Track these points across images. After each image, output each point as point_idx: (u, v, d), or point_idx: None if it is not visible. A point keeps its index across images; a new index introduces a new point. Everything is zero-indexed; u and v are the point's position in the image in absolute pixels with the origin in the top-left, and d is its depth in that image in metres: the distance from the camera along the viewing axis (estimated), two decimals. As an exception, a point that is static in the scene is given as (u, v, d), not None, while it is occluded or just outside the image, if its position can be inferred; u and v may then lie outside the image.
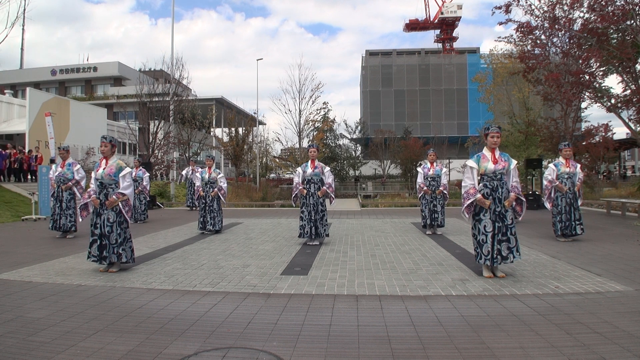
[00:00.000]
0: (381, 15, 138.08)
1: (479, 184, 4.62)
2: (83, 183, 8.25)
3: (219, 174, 8.64)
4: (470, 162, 4.67)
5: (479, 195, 4.49)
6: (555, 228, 7.08)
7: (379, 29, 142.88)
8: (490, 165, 4.54)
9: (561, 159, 7.13)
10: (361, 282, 4.48)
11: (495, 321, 3.22)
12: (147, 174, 11.18)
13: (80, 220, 5.47)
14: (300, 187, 6.91)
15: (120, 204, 4.95)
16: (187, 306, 3.69)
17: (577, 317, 3.28)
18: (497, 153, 4.62)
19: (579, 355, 2.60)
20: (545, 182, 7.23)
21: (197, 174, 9.05)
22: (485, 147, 4.71)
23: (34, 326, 3.19)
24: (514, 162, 4.68)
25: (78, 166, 8.26)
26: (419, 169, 8.50)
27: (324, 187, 6.90)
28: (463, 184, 4.69)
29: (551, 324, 3.14)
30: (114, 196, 4.93)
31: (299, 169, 7.07)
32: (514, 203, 4.59)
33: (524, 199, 4.70)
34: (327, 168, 7.13)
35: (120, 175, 5.01)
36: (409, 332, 3.04)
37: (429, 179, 8.15)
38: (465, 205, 4.59)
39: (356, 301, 3.80)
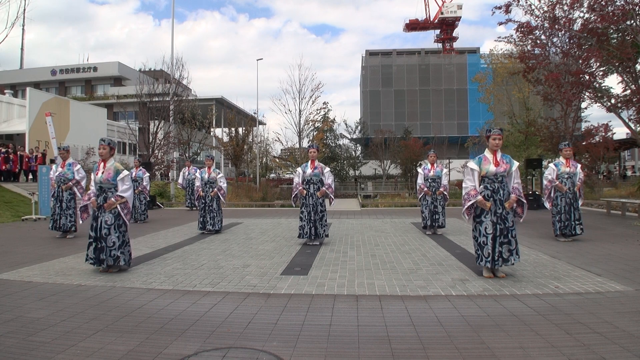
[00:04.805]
0: (384, 16, 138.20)
1: (479, 185, 4.62)
2: (83, 183, 8.26)
3: (219, 173, 8.63)
4: (472, 164, 4.66)
5: (479, 197, 4.49)
6: (554, 228, 7.08)
7: (382, 30, 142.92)
8: (492, 168, 4.54)
9: (562, 159, 7.13)
10: (361, 282, 4.48)
11: (495, 321, 3.22)
12: (147, 174, 11.19)
13: (81, 222, 5.45)
14: (300, 188, 6.92)
15: (119, 207, 4.93)
16: (187, 306, 3.69)
17: (577, 317, 3.28)
18: (499, 155, 4.61)
19: (579, 355, 2.60)
20: (545, 182, 7.24)
21: (197, 174, 9.02)
22: (487, 149, 4.71)
23: (34, 326, 3.19)
24: (516, 163, 4.66)
25: (78, 166, 8.26)
26: (419, 170, 8.51)
27: (323, 188, 6.89)
28: (464, 185, 4.70)
29: (551, 324, 3.14)
30: (112, 198, 4.91)
31: (299, 169, 7.07)
32: (515, 205, 4.59)
33: (525, 201, 4.69)
34: (327, 169, 7.12)
35: (119, 178, 4.99)
36: (409, 332, 3.04)
37: (429, 180, 8.15)
38: (466, 207, 4.59)
39: (356, 301, 3.80)
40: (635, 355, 2.59)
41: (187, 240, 7.66)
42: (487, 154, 4.65)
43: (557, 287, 4.11)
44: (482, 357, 2.61)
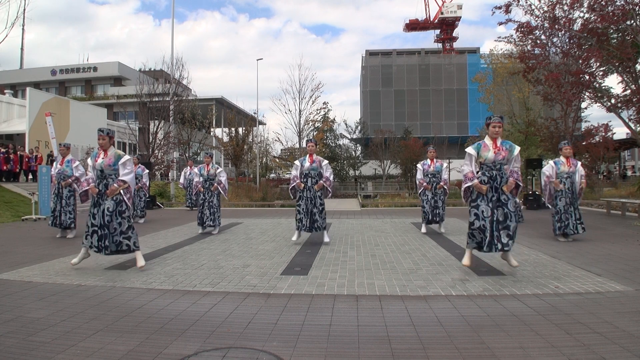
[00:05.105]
0: (384, 16, 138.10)
1: (478, 172, 4.65)
2: (82, 180, 8.27)
3: (218, 168, 8.63)
4: (470, 149, 4.69)
5: (475, 181, 4.53)
6: (553, 227, 7.07)
7: (382, 30, 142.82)
8: (491, 155, 4.53)
9: (562, 158, 7.11)
10: (361, 282, 4.48)
11: (495, 321, 3.22)
12: (147, 171, 11.22)
13: (81, 203, 5.44)
14: (298, 181, 6.92)
15: (121, 192, 4.94)
16: (187, 306, 3.69)
17: (577, 317, 3.28)
18: (499, 142, 4.60)
19: (579, 355, 2.60)
20: (543, 178, 7.21)
21: (196, 170, 8.99)
22: (486, 136, 4.71)
23: (34, 326, 3.19)
24: (517, 148, 4.63)
25: (77, 163, 8.28)
26: (418, 166, 8.51)
27: (321, 181, 6.88)
28: (462, 169, 4.76)
29: (551, 324, 3.14)
30: (115, 184, 4.91)
31: (297, 162, 7.08)
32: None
33: (521, 184, 4.72)
34: (325, 162, 7.07)
35: (120, 162, 4.99)
36: (409, 332, 3.04)
37: (429, 175, 8.16)
38: (463, 188, 4.66)
39: (356, 301, 3.80)
40: (635, 355, 2.59)
41: (187, 240, 7.66)
42: (487, 140, 4.65)
43: (557, 287, 4.11)
44: (482, 357, 2.61)
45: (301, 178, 6.94)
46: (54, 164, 8.57)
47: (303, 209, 6.86)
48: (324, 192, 7.01)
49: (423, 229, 8.21)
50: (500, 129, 4.58)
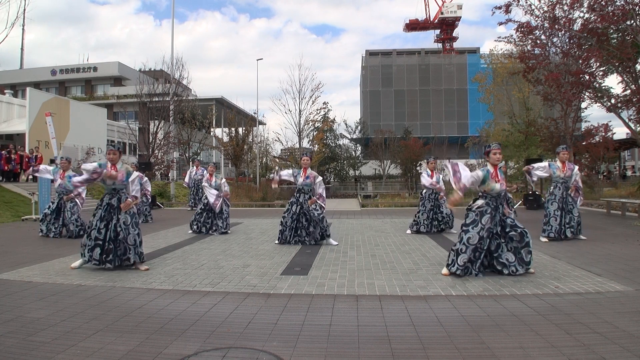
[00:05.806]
0: (384, 17, 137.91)
1: (479, 199, 4.71)
2: (84, 194, 8.32)
3: (222, 179, 8.58)
4: (479, 172, 4.67)
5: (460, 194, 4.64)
6: (542, 229, 7.09)
7: (382, 30, 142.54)
8: (499, 186, 4.62)
9: (558, 163, 7.11)
10: (361, 282, 4.48)
11: (495, 321, 3.22)
12: (145, 178, 11.28)
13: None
14: (276, 178, 7.19)
15: (134, 206, 5.14)
16: (187, 306, 3.69)
17: (577, 317, 3.28)
18: (498, 170, 4.70)
19: (579, 355, 2.60)
20: (531, 167, 7.18)
21: (205, 182, 8.64)
22: (488, 164, 4.74)
23: (34, 326, 3.19)
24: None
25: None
26: (423, 174, 8.57)
27: (314, 198, 6.91)
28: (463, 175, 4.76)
29: (551, 324, 3.14)
30: (129, 199, 5.10)
31: (292, 171, 7.12)
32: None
33: (513, 213, 4.99)
34: (319, 178, 7.05)
35: (130, 179, 5.18)
36: (409, 332, 3.04)
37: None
38: (454, 174, 4.72)
39: (356, 301, 3.80)
40: (635, 355, 2.59)
41: (187, 240, 7.66)
42: (490, 168, 4.69)
43: (557, 287, 4.11)
44: (482, 357, 2.61)
45: (295, 192, 7.02)
46: (51, 169, 8.45)
47: (288, 223, 6.88)
48: (317, 207, 6.97)
49: (408, 231, 8.28)
50: (501, 155, 4.69)
